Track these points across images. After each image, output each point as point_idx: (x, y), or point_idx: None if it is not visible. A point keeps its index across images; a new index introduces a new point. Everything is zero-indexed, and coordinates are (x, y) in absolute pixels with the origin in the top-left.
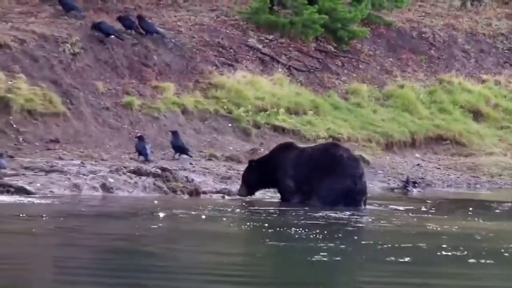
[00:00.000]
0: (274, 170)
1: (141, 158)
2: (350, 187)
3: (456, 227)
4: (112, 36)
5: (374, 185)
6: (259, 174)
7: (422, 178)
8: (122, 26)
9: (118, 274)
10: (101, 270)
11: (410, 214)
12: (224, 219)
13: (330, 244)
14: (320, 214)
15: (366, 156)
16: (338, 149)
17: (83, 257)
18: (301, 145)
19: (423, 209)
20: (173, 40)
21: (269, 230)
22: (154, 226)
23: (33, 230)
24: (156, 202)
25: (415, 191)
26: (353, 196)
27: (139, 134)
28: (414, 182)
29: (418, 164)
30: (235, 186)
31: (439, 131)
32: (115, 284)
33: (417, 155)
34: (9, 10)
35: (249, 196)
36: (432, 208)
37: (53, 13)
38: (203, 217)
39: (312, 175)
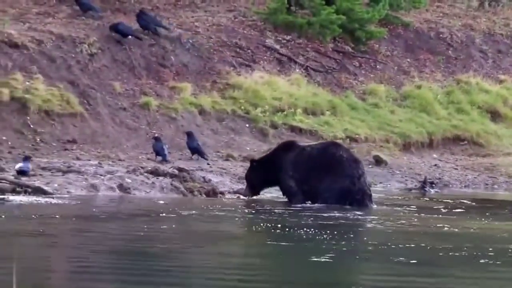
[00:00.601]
0: (274, 169)
1: (159, 158)
2: (349, 187)
3: (472, 228)
4: (130, 37)
5: (391, 186)
6: (260, 173)
7: (440, 179)
8: (139, 27)
9: (134, 277)
10: (118, 272)
11: (427, 214)
12: (237, 219)
13: (346, 244)
14: (332, 214)
15: (384, 157)
16: (338, 149)
17: (103, 259)
18: (304, 143)
19: (440, 209)
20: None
21: (279, 231)
22: (172, 227)
23: (51, 230)
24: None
25: (432, 192)
26: (353, 196)
27: (156, 135)
28: (432, 183)
29: (435, 165)
30: None
31: (456, 132)
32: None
33: (434, 155)
34: (26, 11)
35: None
36: (449, 209)
37: (70, 13)
38: (218, 217)
39: (311, 175)
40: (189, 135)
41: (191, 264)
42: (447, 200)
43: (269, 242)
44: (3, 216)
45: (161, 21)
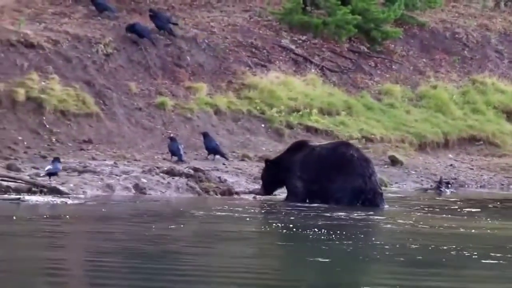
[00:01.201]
0: (283, 169)
1: (175, 158)
2: (361, 186)
3: (488, 229)
4: (145, 39)
5: (407, 186)
6: (273, 173)
7: (455, 179)
8: (155, 27)
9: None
10: (135, 274)
11: (443, 215)
12: (251, 219)
13: (361, 245)
14: (345, 214)
15: (399, 157)
16: (349, 148)
17: (119, 261)
18: (316, 143)
19: (456, 209)
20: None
21: (293, 231)
22: (188, 227)
23: (68, 231)
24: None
25: (448, 192)
26: (365, 195)
27: (171, 135)
28: (447, 183)
29: (451, 165)
30: None
31: (472, 132)
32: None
33: (450, 155)
34: (42, 11)
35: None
36: (465, 209)
37: (86, 13)
38: (232, 217)
39: (321, 175)
40: (205, 135)
41: (209, 264)
42: (463, 200)
43: (284, 243)
44: (14, 217)
45: (173, 18)
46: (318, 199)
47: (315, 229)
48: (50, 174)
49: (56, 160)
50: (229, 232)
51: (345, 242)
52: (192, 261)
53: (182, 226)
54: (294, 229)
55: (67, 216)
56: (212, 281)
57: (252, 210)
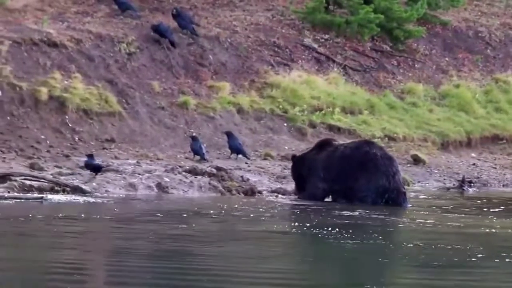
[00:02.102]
0: (306, 167)
1: (197, 157)
2: (384, 185)
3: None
4: (166, 39)
5: (429, 185)
6: (298, 170)
7: (478, 178)
8: (178, 26)
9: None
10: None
11: (465, 214)
12: (272, 219)
13: (384, 245)
14: (368, 213)
15: (422, 156)
16: (372, 147)
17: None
18: (339, 142)
19: (478, 209)
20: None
21: (316, 230)
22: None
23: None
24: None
25: (471, 191)
26: (388, 194)
27: (193, 134)
28: (470, 182)
29: (474, 164)
30: (290, 186)
31: (495, 131)
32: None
33: (473, 154)
34: (65, 10)
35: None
36: (488, 208)
37: (108, 12)
38: (252, 217)
39: (344, 174)
40: (229, 135)
41: (237, 264)
42: (485, 199)
43: (309, 243)
44: (32, 216)
45: (195, 18)
46: (341, 199)
47: (337, 229)
48: (94, 168)
49: (91, 156)
50: (254, 231)
51: (368, 242)
52: (217, 261)
53: (205, 225)
54: (318, 229)
55: (84, 215)
56: (241, 282)
57: (275, 210)
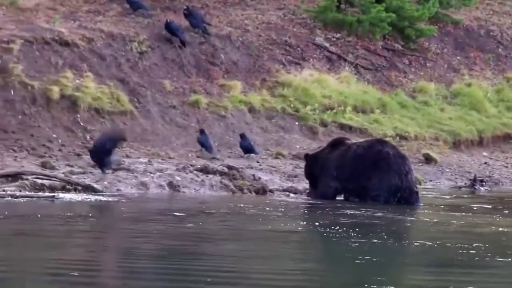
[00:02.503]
0: (319, 165)
1: (205, 151)
2: (397, 184)
3: None
4: (178, 38)
5: (441, 184)
6: (311, 169)
7: (490, 177)
8: (190, 25)
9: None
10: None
11: (477, 213)
12: (285, 218)
13: (399, 245)
14: (380, 212)
15: (434, 155)
16: (384, 146)
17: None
18: (352, 141)
19: (490, 208)
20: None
21: (329, 229)
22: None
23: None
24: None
25: (482, 190)
26: (401, 193)
27: (201, 128)
28: (482, 181)
29: (485, 163)
30: (302, 184)
31: (506, 130)
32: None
33: (484, 153)
34: (77, 9)
35: None
36: (499, 207)
37: (120, 11)
38: (265, 216)
39: (357, 173)
40: (242, 136)
41: (257, 265)
42: (497, 198)
43: (325, 242)
44: (38, 215)
45: (207, 16)
46: (354, 197)
47: (349, 228)
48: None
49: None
50: (266, 231)
51: (381, 241)
52: (226, 260)
53: (214, 224)
54: (330, 228)
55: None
56: (260, 284)
57: (285, 209)
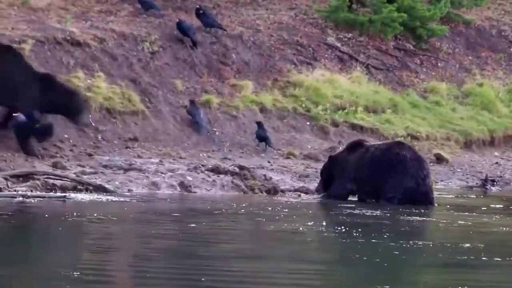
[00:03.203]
0: (337, 167)
1: (195, 125)
2: (413, 188)
3: None
4: (189, 38)
5: (452, 184)
6: (331, 171)
7: (501, 177)
8: (202, 25)
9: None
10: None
11: (488, 213)
12: (298, 217)
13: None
14: (392, 212)
15: (445, 155)
16: (402, 149)
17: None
18: (372, 142)
19: (500, 208)
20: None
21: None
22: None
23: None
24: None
25: (493, 190)
26: (417, 197)
27: (191, 99)
28: (493, 181)
29: (496, 163)
30: (313, 184)
31: None
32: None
33: (496, 153)
34: (88, 9)
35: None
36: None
37: (132, 11)
38: (277, 216)
39: (375, 175)
40: (259, 124)
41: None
42: (508, 198)
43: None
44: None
45: (219, 16)
46: (370, 199)
47: (362, 228)
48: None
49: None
50: (281, 231)
51: (396, 242)
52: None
53: (235, 224)
54: (342, 228)
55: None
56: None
57: (298, 209)
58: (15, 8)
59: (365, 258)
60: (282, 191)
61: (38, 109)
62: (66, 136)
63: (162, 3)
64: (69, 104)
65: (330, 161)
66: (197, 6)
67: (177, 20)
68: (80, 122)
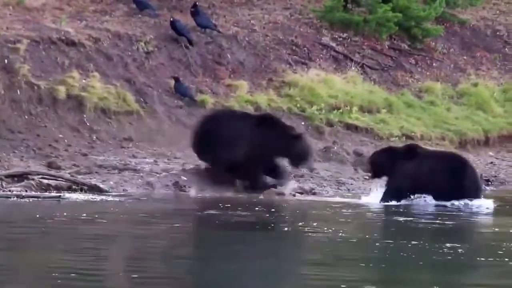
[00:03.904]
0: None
1: (186, 99)
2: None
3: None
4: (183, 37)
5: None
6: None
7: (495, 176)
8: (197, 25)
9: None
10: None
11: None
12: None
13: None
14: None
15: None
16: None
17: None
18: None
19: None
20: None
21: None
22: None
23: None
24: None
25: (488, 189)
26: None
27: (174, 75)
28: (488, 180)
29: (491, 162)
30: (308, 184)
31: None
32: None
33: (490, 153)
34: (83, 9)
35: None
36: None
37: (127, 11)
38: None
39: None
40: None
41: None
42: (503, 198)
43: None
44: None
45: (214, 16)
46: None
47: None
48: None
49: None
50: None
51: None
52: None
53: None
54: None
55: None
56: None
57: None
58: (10, 7)
59: None
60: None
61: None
62: (61, 136)
63: (157, 3)
64: (293, 149)
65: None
66: (192, 5)
67: (171, 19)
68: (303, 167)
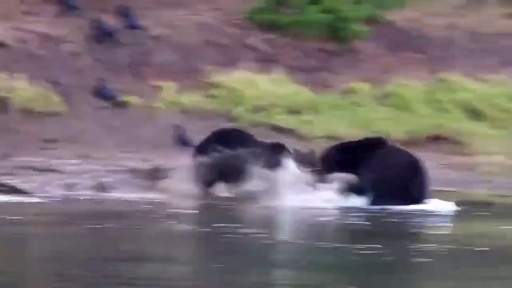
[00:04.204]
0: None
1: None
2: None
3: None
4: (111, 37)
5: None
6: None
7: None
8: (124, 26)
9: None
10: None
11: None
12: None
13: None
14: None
15: None
16: None
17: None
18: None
19: None
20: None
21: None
22: None
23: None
24: None
25: None
26: None
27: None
28: None
29: None
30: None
31: (438, 131)
32: None
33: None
34: (10, 10)
35: None
36: None
37: (54, 12)
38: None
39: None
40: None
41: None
42: None
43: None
44: None
45: (140, 17)
46: None
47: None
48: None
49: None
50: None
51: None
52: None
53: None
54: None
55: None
56: None
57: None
58: None
59: None
60: None
61: None
62: None
63: (84, 4)
64: None
65: None
66: (119, 6)
67: (98, 20)
68: None
